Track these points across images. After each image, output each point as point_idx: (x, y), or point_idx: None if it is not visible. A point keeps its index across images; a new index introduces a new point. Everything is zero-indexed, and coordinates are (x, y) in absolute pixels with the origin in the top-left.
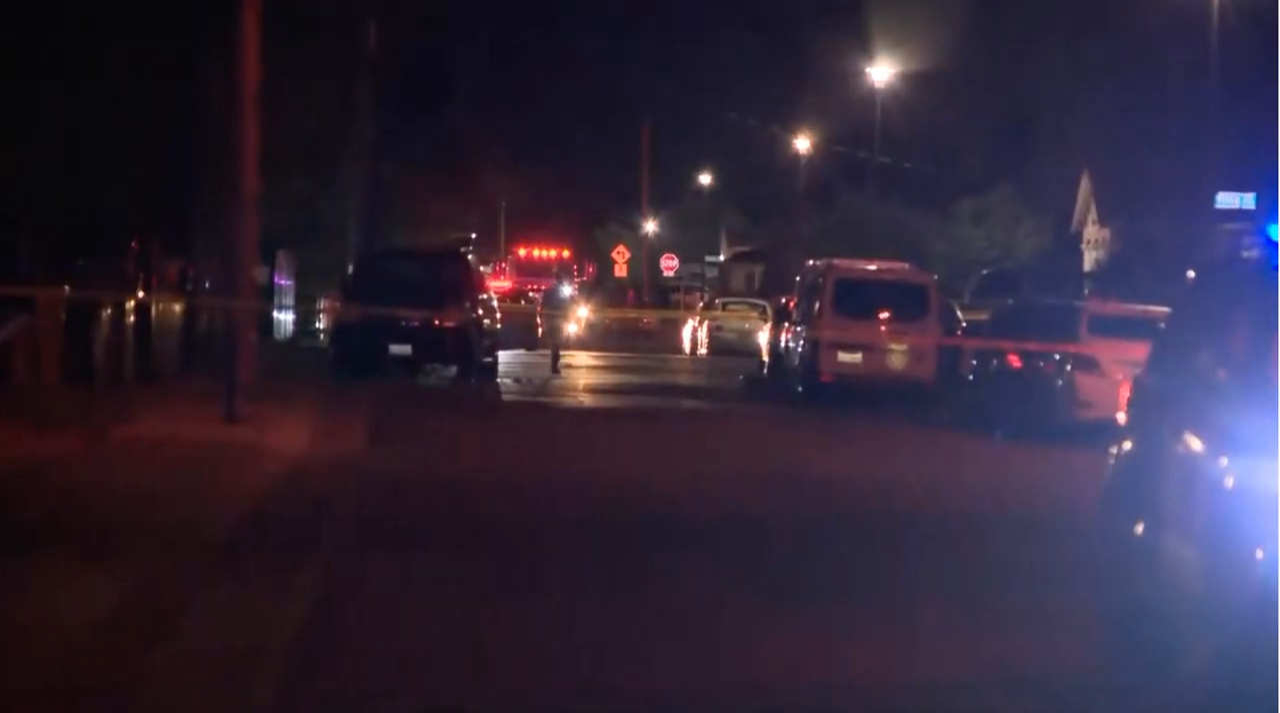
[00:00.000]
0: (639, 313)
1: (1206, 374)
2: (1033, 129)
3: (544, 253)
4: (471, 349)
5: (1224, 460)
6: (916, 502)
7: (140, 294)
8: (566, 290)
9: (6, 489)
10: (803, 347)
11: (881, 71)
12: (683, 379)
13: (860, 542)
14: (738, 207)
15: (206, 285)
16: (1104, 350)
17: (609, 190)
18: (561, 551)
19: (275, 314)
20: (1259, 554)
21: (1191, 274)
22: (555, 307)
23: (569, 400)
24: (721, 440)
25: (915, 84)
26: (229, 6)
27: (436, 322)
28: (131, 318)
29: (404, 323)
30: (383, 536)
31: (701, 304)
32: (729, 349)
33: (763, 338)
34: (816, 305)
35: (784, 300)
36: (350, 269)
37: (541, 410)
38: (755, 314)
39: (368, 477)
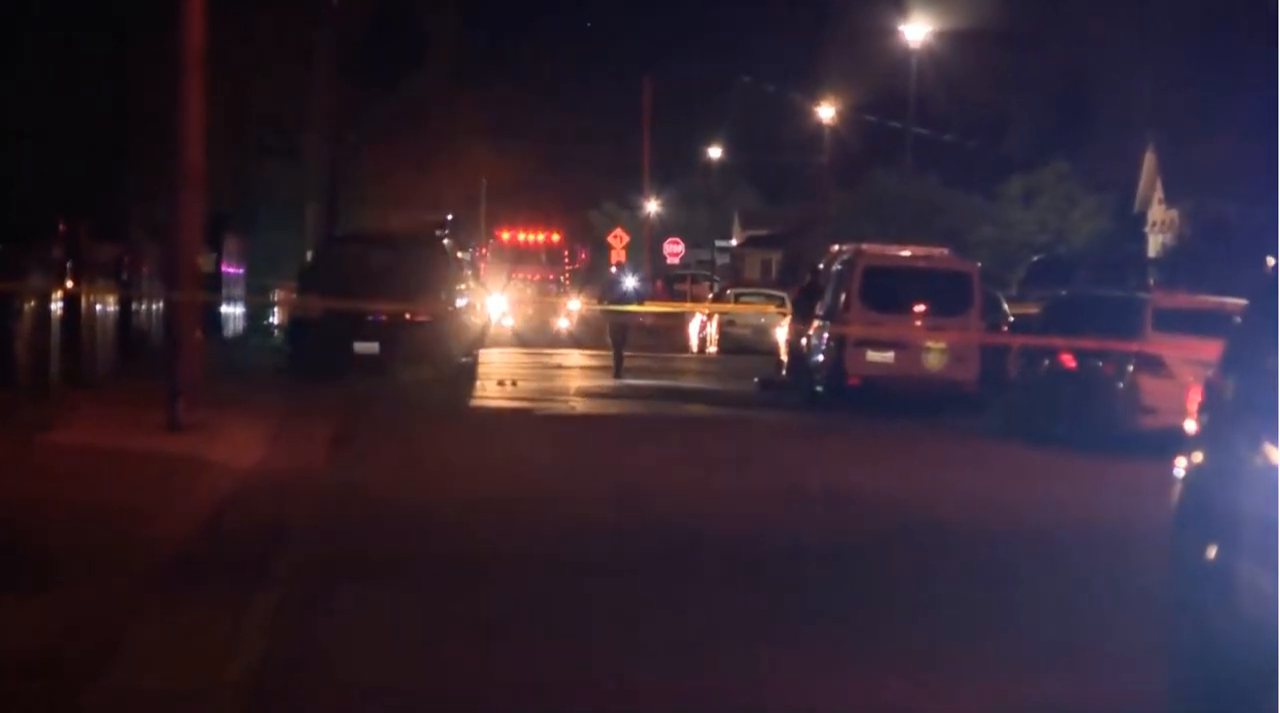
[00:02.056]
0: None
1: None
2: (1090, 97)
3: (531, 236)
4: (448, 347)
5: None
6: (958, 522)
7: (69, 285)
8: (630, 282)
9: None
10: (826, 345)
11: (917, 30)
12: (689, 381)
13: (896, 567)
14: (752, 184)
15: (145, 274)
16: (1171, 348)
17: (605, 166)
18: (550, 578)
19: (223, 308)
20: None
21: (1271, 262)
22: (616, 301)
23: (558, 406)
24: (733, 452)
25: (956, 45)
26: None
27: (408, 316)
28: (58, 312)
29: (370, 317)
30: (344, 561)
31: (711, 296)
32: (742, 347)
33: (781, 334)
34: (842, 297)
35: (797, 290)
36: (309, 256)
37: (528, 418)
38: (772, 307)
39: (327, 493)
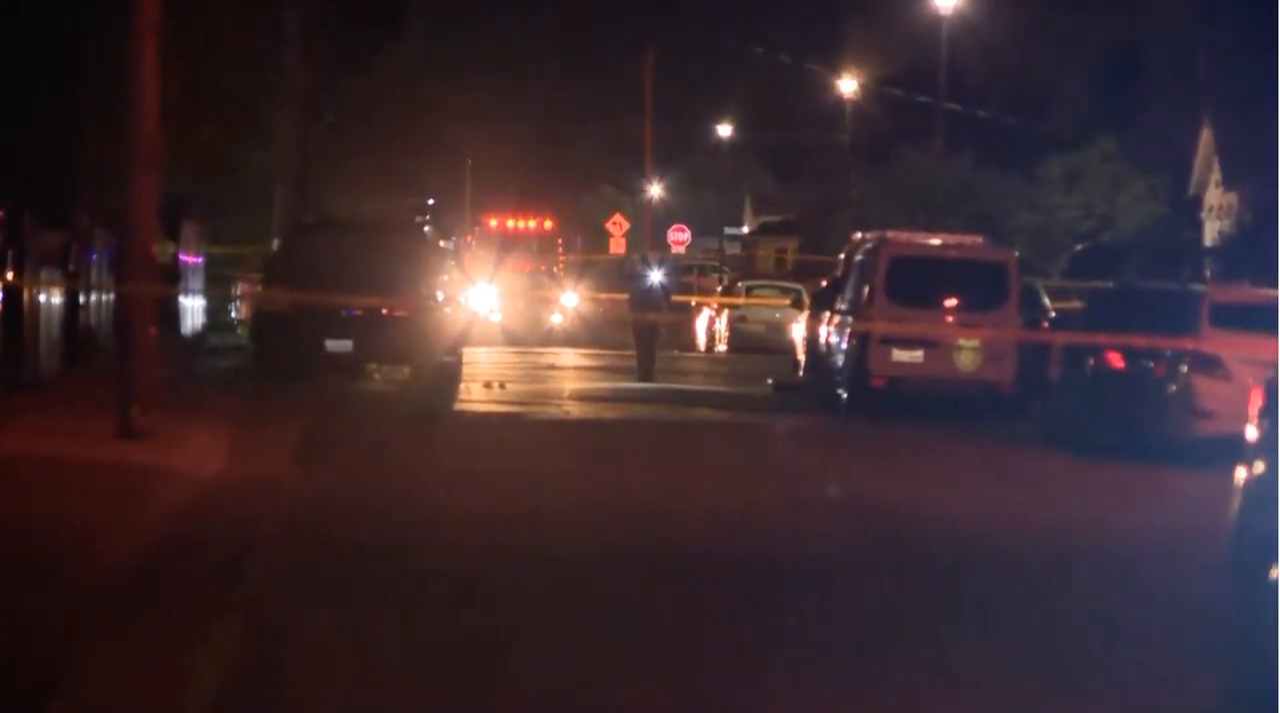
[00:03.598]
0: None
1: None
2: (1141, 68)
3: (521, 223)
4: (429, 345)
5: None
6: (996, 538)
7: (9, 276)
8: (656, 276)
9: None
10: (848, 343)
11: None
12: (696, 383)
13: (930, 590)
14: (766, 165)
15: (94, 264)
16: (1229, 347)
17: (603, 145)
18: (538, 602)
19: (181, 301)
20: None
21: None
22: (643, 298)
23: (552, 410)
24: (745, 461)
25: (992, 10)
26: None
27: (385, 311)
28: None
29: (343, 312)
30: (313, 580)
31: (720, 289)
32: (755, 345)
33: (797, 331)
34: (865, 290)
35: (824, 283)
36: (276, 244)
37: (517, 423)
38: (788, 301)
39: (295, 506)
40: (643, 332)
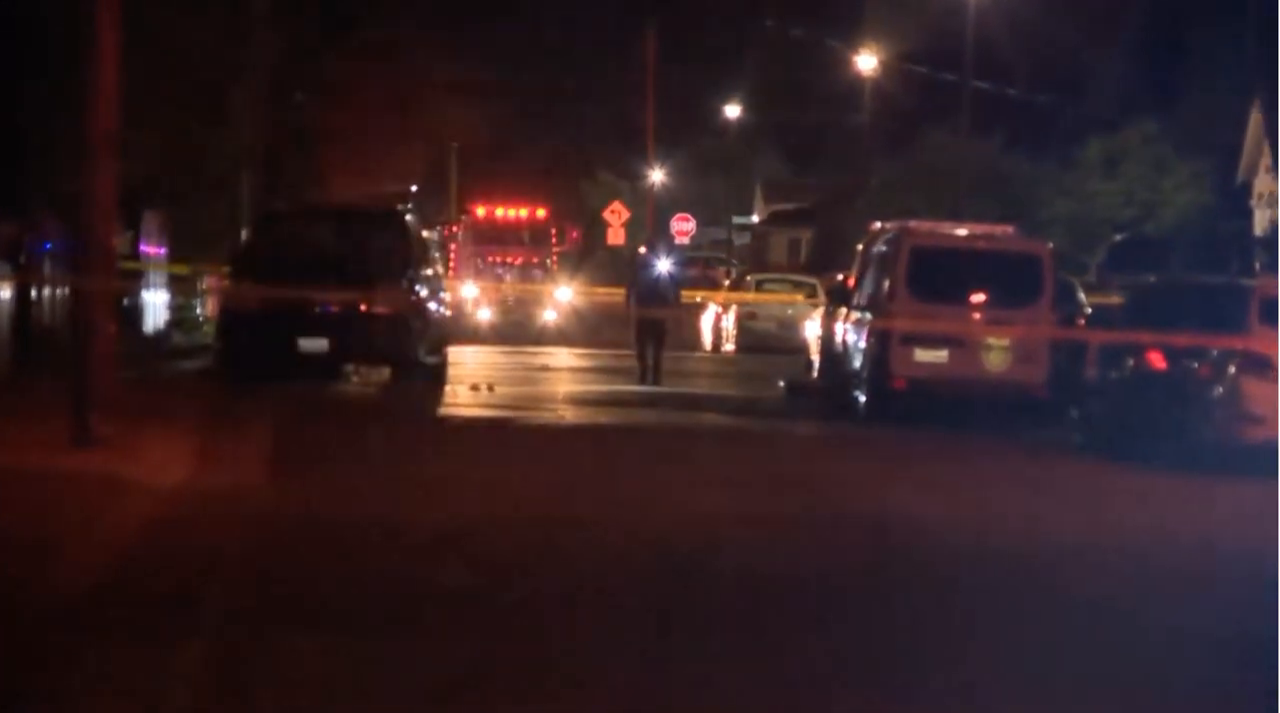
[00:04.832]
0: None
1: None
2: (1185, 45)
3: (511, 212)
4: (410, 344)
5: None
6: (1032, 558)
7: None
8: (663, 267)
9: None
10: (867, 342)
11: None
12: (701, 386)
13: (961, 615)
14: (777, 149)
15: (46, 254)
16: None
17: (601, 127)
18: (529, 629)
19: (143, 296)
20: None
21: None
22: (647, 293)
23: (545, 415)
24: (754, 472)
25: None
26: None
27: (363, 307)
28: None
29: (318, 309)
30: (284, 605)
31: (728, 283)
32: (765, 345)
33: (811, 330)
34: (886, 285)
35: (840, 277)
36: (245, 235)
37: (506, 429)
38: (801, 296)
39: (265, 521)
40: (647, 329)
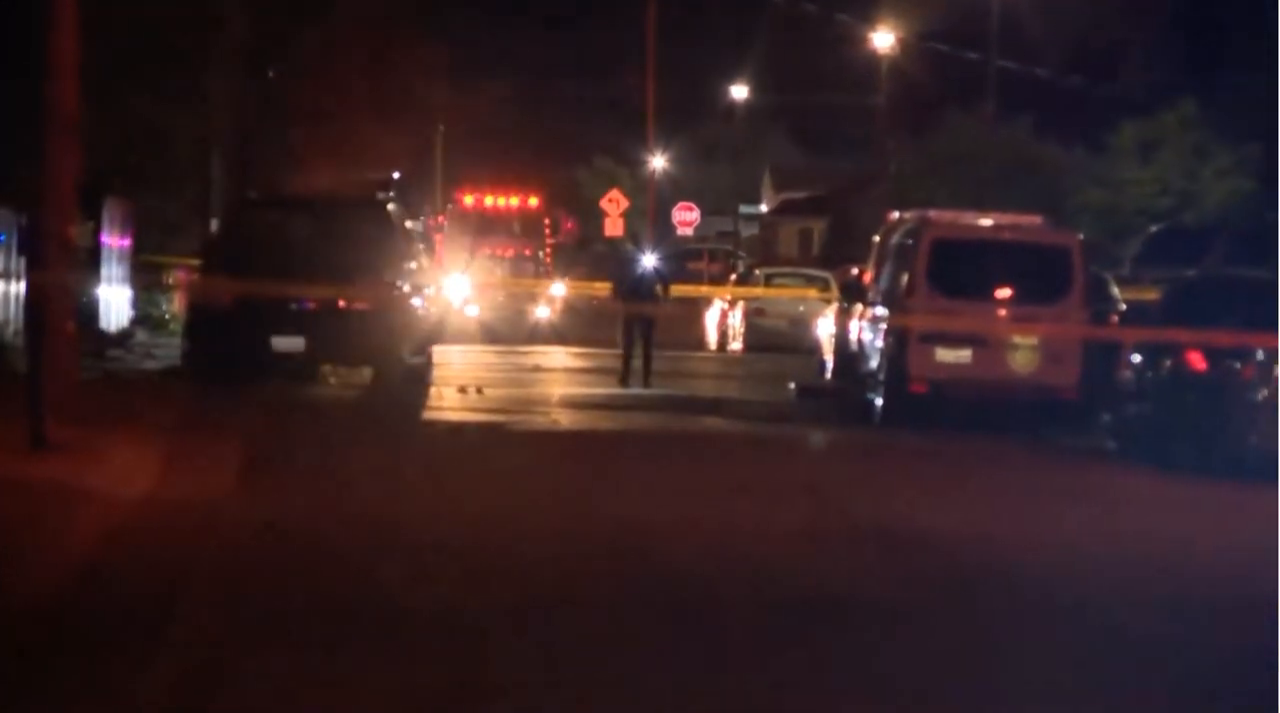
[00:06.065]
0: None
1: None
2: (1224, 22)
3: (501, 201)
4: (393, 343)
5: None
6: (1063, 571)
7: None
8: (649, 261)
9: None
10: (884, 341)
11: None
12: (706, 387)
13: (993, 637)
14: (788, 133)
15: (1, 247)
16: None
17: (598, 110)
18: (518, 649)
19: (104, 291)
20: None
21: None
22: (634, 288)
23: (538, 420)
24: (763, 481)
25: None
26: None
27: (342, 303)
28: None
29: (294, 305)
30: (256, 623)
31: (734, 277)
32: (774, 343)
33: (824, 328)
34: (905, 279)
35: (856, 271)
36: (215, 226)
37: (495, 434)
38: (813, 292)
39: (238, 533)
40: (634, 327)
